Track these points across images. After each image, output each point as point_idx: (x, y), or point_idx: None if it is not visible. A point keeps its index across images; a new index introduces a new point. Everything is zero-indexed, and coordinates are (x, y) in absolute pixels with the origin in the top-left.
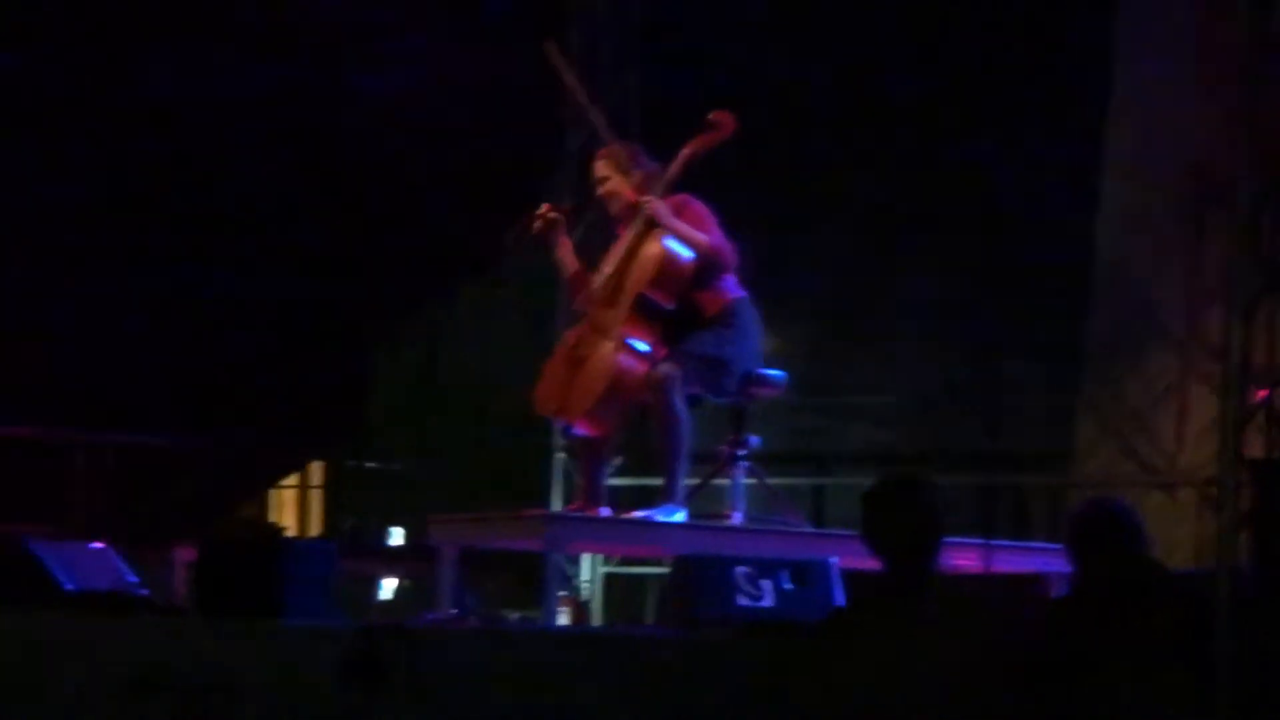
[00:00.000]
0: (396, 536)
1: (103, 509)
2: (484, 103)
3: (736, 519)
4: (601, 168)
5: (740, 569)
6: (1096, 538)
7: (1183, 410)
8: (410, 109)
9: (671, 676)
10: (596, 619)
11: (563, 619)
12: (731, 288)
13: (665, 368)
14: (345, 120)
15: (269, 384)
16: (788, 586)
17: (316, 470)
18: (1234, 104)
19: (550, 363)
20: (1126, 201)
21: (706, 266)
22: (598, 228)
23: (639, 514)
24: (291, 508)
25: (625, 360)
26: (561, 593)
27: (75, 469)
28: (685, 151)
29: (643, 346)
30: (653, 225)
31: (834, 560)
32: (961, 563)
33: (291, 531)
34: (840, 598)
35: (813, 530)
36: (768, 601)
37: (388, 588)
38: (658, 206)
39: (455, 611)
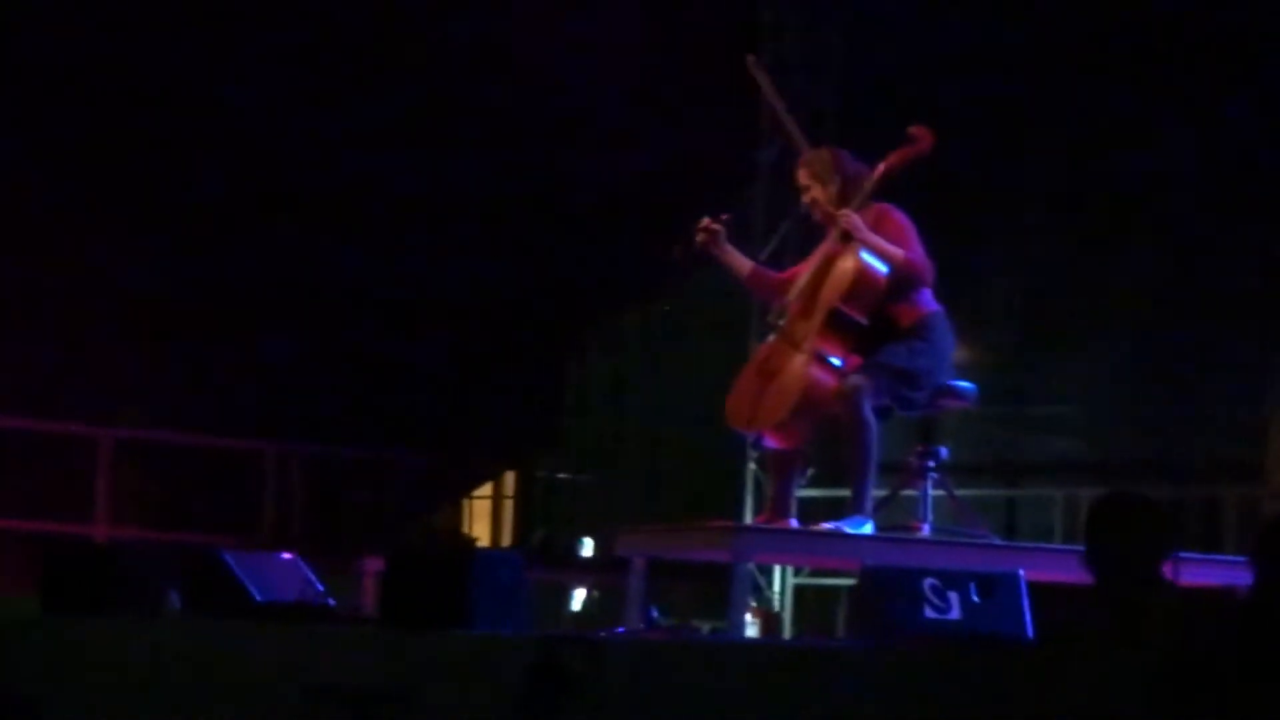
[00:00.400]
0: (587, 547)
1: (294, 519)
2: (681, 116)
3: (924, 531)
4: (803, 176)
5: (927, 581)
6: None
7: None
8: (606, 121)
9: (860, 688)
10: (787, 630)
11: (753, 630)
12: (927, 301)
13: (856, 379)
14: (543, 133)
15: (462, 395)
16: (975, 599)
17: (510, 481)
18: None
19: (742, 375)
20: None
21: (902, 280)
22: (796, 235)
23: (826, 525)
24: (485, 518)
25: (816, 373)
26: (752, 604)
27: (268, 479)
28: (882, 166)
29: (835, 360)
30: (848, 239)
31: (1022, 573)
32: None
33: (483, 541)
34: (1027, 611)
35: (1001, 542)
36: (954, 614)
37: (578, 598)
38: (853, 220)
39: (643, 625)
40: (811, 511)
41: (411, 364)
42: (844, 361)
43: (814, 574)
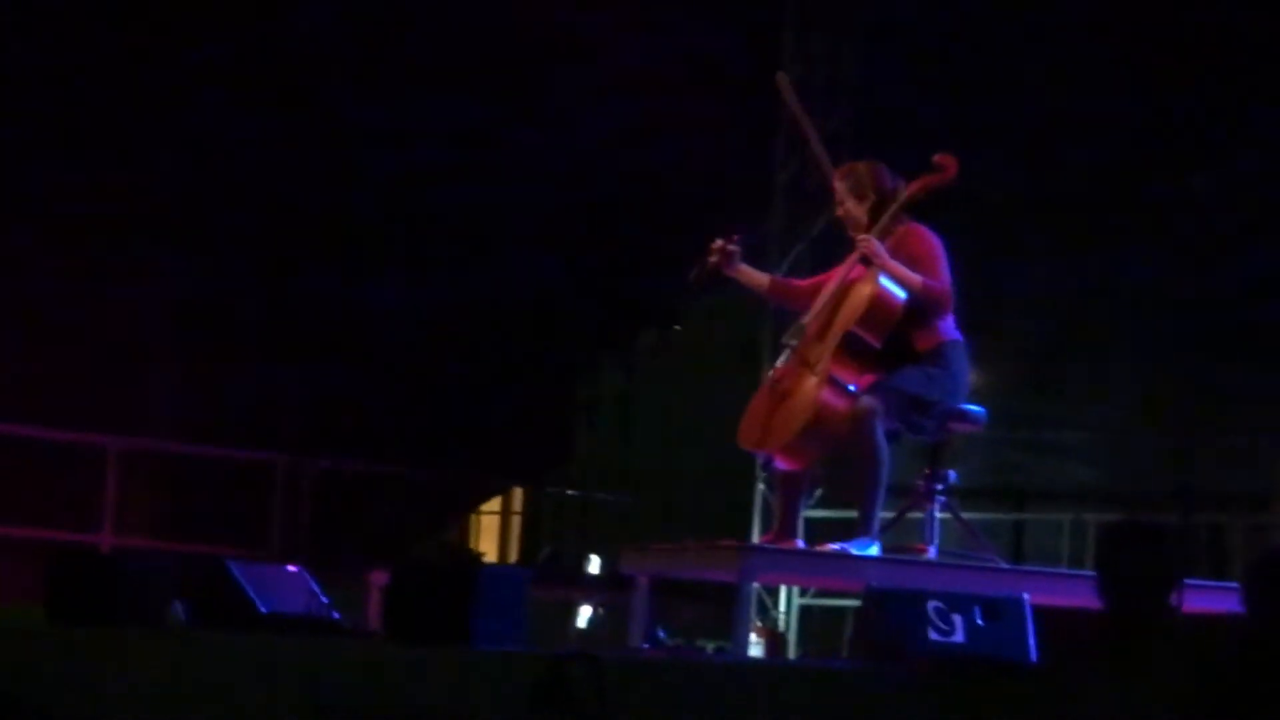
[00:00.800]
0: (593, 564)
1: (302, 532)
2: (699, 137)
3: (931, 553)
4: (839, 189)
5: (932, 603)
6: (1269, 582)
7: None
8: (623, 143)
9: (862, 709)
10: (792, 650)
11: (757, 650)
12: (947, 329)
13: (868, 401)
14: (560, 154)
15: (474, 411)
16: (980, 622)
17: (518, 497)
18: None
19: (756, 397)
20: None
21: (922, 306)
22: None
23: (832, 546)
24: (492, 533)
25: (827, 395)
26: (757, 623)
27: (276, 492)
28: (905, 193)
29: (847, 383)
30: (868, 262)
31: (1027, 597)
32: None
33: (490, 557)
34: (1033, 636)
35: (1007, 566)
36: (959, 637)
37: (584, 616)
38: (873, 246)
39: (646, 644)
40: (819, 532)
41: (424, 379)
42: (857, 384)
43: (820, 594)
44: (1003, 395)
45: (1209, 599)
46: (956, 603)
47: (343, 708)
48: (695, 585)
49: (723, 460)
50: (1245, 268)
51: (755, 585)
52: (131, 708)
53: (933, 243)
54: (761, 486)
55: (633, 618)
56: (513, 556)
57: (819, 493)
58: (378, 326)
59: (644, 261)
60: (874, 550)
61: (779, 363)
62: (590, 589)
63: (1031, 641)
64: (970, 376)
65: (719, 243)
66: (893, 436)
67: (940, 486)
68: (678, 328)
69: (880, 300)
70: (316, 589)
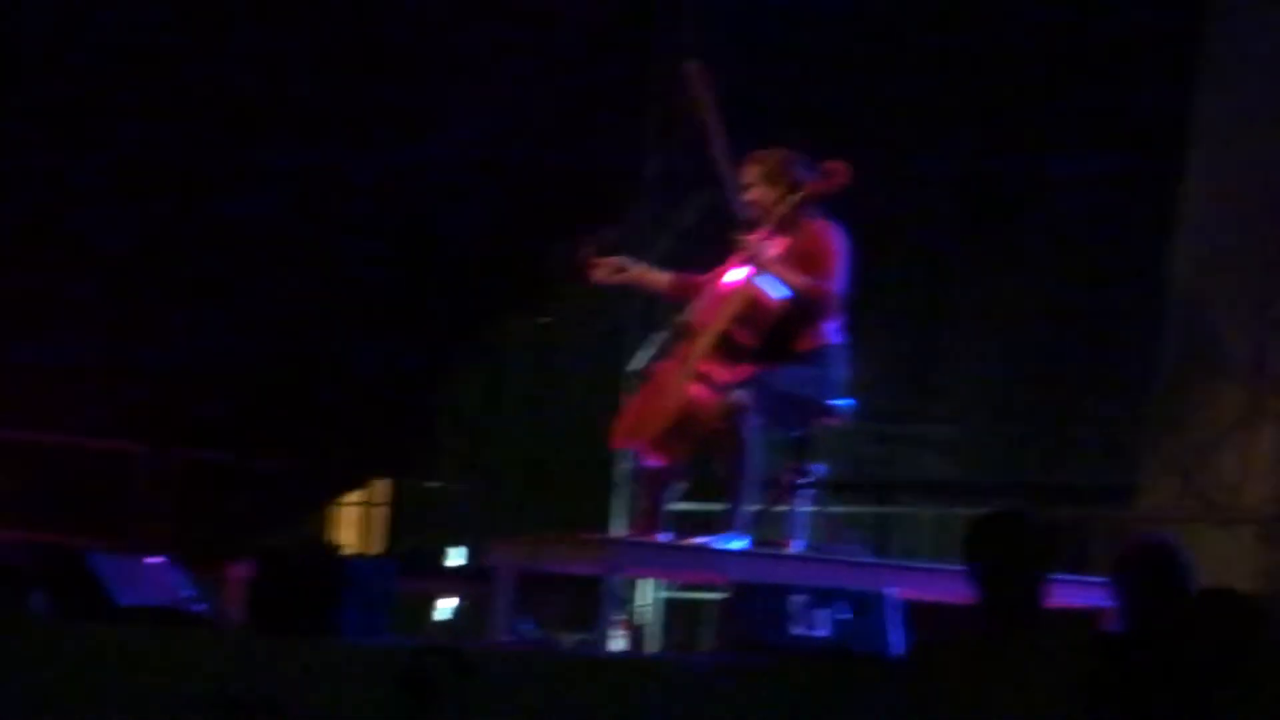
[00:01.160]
0: (457, 557)
1: (164, 523)
2: (560, 123)
3: (796, 547)
4: (750, 174)
5: (796, 597)
6: (1139, 575)
7: (1247, 446)
8: (483, 130)
9: (722, 702)
10: (655, 644)
11: (619, 643)
12: (830, 331)
13: (738, 396)
14: (422, 141)
15: (333, 402)
16: (844, 616)
17: (382, 489)
18: None
19: (631, 395)
20: (1199, 234)
21: (805, 307)
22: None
23: (698, 540)
24: (354, 526)
25: (698, 391)
26: (622, 617)
27: (138, 483)
28: (793, 200)
29: (720, 379)
30: (752, 260)
31: (892, 591)
32: None
33: (353, 550)
34: (898, 630)
35: (872, 560)
36: (823, 631)
37: (447, 608)
38: (756, 246)
39: (511, 637)
40: (685, 525)
41: (287, 369)
42: (730, 380)
43: (684, 588)
44: (866, 389)
45: (1072, 593)
46: (820, 597)
47: (206, 700)
48: (558, 578)
49: (586, 452)
50: (1106, 257)
51: (619, 579)
52: None
53: (831, 243)
54: (625, 478)
55: (495, 611)
56: (376, 549)
57: (685, 486)
58: (240, 316)
59: (508, 252)
60: (741, 544)
61: (655, 358)
62: (453, 581)
63: (896, 635)
64: (846, 380)
65: (591, 258)
66: (760, 431)
67: (807, 480)
68: (544, 320)
69: (757, 300)
70: (182, 581)
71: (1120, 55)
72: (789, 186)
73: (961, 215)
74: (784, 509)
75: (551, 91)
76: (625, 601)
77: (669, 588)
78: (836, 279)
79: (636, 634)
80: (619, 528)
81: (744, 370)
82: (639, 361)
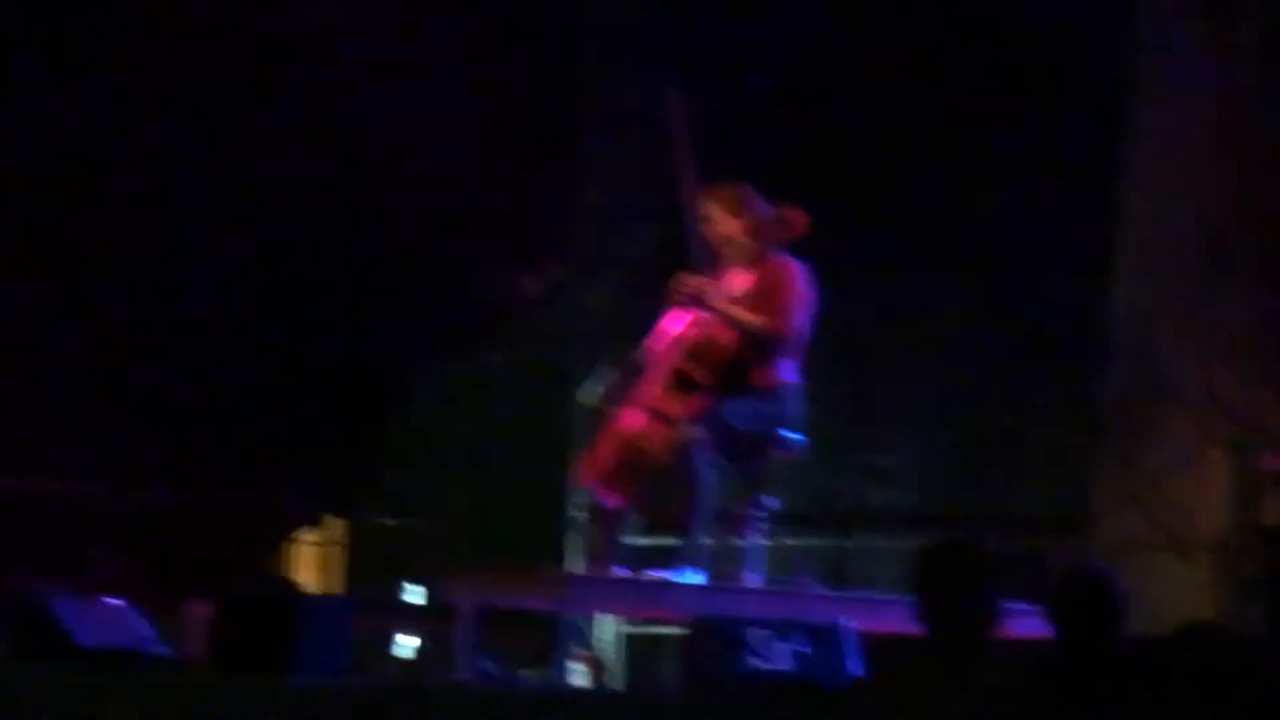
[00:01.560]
0: (415, 595)
1: (122, 565)
2: (496, 154)
3: (751, 581)
4: (711, 209)
5: (754, 631)
6: (1074, 605)
7: (1201, 473)
8: (424, 162)
9: None
10: (616, 679)
11: (580, 679)
12: (786, 370)
13: (689, 431)
14: (356, 173)
15: (284, 440)
16: (802, 649)
17: (339, 528)
18: (1251, 159)
19: (592, 431)
20: (1141, 261)
21: (759, 344)
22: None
23: (654, 574)
24: (313, 565)
25: (649, 426)
26: (580, 651)
27: (95, 524)
28: (755, 244)
29: (671, 413)
30: (697, 305)
31: (850, 624)
32: None
33: (312, 588)
34: (856, 661)
35: (827, 592)
36: (782, 664)
37: (406, 645)
38: (702, 288)
39: (472, 674)
40: (640, 560)
41: (242, 409)
42: (682, 415)
43: (645, 623)
44: (822, 421)
45: (1028, 623)
46: (778, 630)
47: None
48: (517, 614)
49: (537, 487)
50: (1054, 287)
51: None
52: None
53: (791, 281)
54: (581, 514)
55: (457, 647)
56: (334, 588)
57: (639, 520)
58: (192, 358)
59: (450, 288)
60: (697, 578)
61: (606, 392)
62: (409, 618)
63: (854, 666)
64: (800, 417)
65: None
66: (713, 466)
67: (761, 513)
68: (499, 358)
69: (708, 339)
70: (142, 622)
71: (1053, 88)
72: (750, 220)
73: (909, 243)
74: (739, 543)
75: (489, 125)
76: (585, 637)
77: (629, 622)
78: (795, 317)
79: (597, 669)
80: (576, 564)
81: (696, 404)
82: (588, 395)
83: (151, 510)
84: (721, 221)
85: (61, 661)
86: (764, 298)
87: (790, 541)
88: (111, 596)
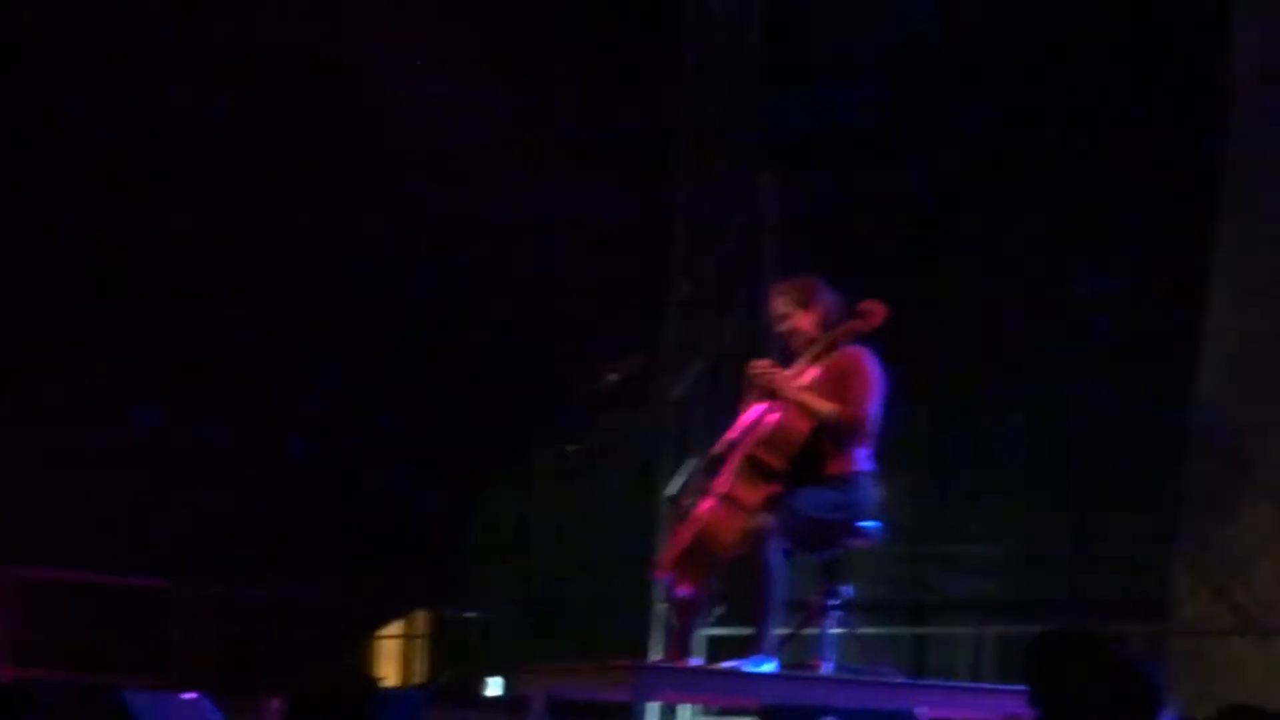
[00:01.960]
0: (495, 687)
1: (200, 659)
2: (593, 244)
3: (826, 669)
4: (781, 304)
5: (826, 718)
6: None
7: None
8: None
9: None
10: None
11: None
12: (861, 458)
13: (763, 520)
14: (453, 271)
15: (368, 535)
16: None
17: (422, 620)
18: None
19: (675, 524)
20: (1225, 349)
21: (834, 433)
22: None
23: (727, 664)
24: (395, 658)
25: (720, 514)
26: None
27: (176, 618)
28: (829, 337)
29: (745, 501)
30: (773, 395)
31: (922, 711)
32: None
33: (393, 681)
34: None
35: (900, 680)
36: None
37: None
38: (777, 379)
39: None
40: (720, 650)
41: (321, 505)
42: (756, 503)
43: (722, 713)
44: (898, 510)
45: None
46: (851, 718)
47: None
48: (594, 706)
49: (620, 581)
50: (1132, 375)
51: (654, 704)
52: None
53: (865, 370)
54: (662, 607)
55: None
56: (416, 680)
57: (719, 611)
58: (274, 454)
59: (538, 381)
60: (769, 667)
61: (689, 484)
62: (490, 711)
63: None
64: (874, 506)
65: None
66: (787, 554)
67: (836, 602)
68: (572, 448)
69: (783, 427)
70: (217, 717)
71: (1140, 173)
72: (822, 312)
73: (987, 337)
74: (814, 631)
75: (576, 210)
76: None
77: (705, 711)
78: (868, 405)
79: None
80: (657, 655)
81: (769, 492)
82: (673, 487)
83: (236, 605)
84: (795, 315)
85: None
86: (837, 386)
87: (866, 630)
88: (188, 691)
